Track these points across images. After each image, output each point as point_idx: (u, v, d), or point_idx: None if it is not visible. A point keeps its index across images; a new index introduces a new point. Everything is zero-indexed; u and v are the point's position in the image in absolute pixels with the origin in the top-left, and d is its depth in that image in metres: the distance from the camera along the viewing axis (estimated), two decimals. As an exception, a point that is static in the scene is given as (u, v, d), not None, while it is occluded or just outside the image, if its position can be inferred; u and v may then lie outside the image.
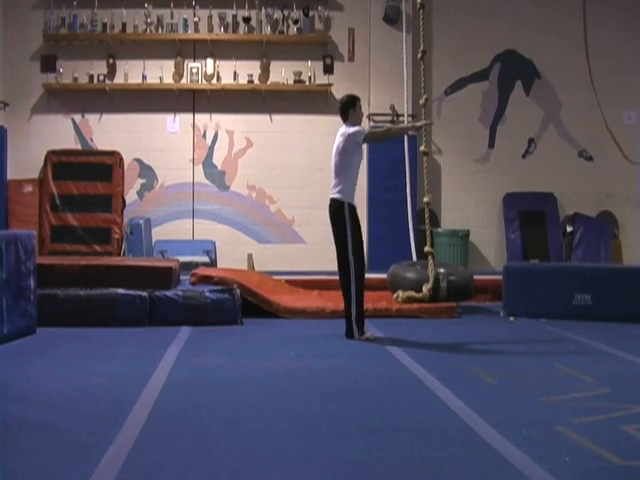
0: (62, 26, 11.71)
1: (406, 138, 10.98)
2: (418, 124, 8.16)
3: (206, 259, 11.26)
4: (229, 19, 11.82)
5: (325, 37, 11.95)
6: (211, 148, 12.05)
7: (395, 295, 9.01)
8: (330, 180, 7.40)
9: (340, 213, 7.22)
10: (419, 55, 9.25)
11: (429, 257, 8.99)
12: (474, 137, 12.33)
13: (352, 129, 7.30)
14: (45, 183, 11.59)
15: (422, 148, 9.20)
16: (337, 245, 7.29)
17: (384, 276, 9.51)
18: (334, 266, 7.50)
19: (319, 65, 11.99)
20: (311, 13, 11.89)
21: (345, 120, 7.42)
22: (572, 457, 3.88)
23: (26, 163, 11.69)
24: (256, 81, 11.90)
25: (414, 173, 11.15)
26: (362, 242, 7.41)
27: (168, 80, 11.83)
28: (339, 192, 7.25)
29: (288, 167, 12.07)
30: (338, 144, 7.33)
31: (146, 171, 11.96)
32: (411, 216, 10.78)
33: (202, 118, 12.01)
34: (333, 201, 7.28)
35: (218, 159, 12.09)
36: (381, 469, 3.73)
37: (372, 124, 11.87)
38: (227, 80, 11.87)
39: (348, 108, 7.42)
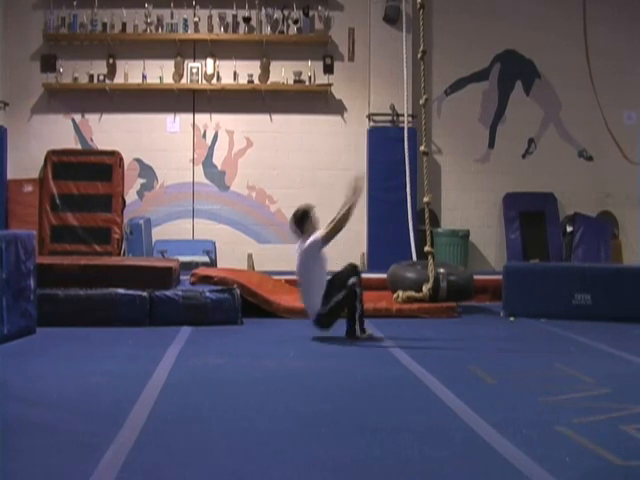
0: (62, 26, 11.72)
1: (406, 138, 10.99)
2: (352, 192, 7.34)
3: (206, 259, 11.26)
4: (229, 19, 11.83)
5: (325, 37, 11.95)
6: (211, 148, 12.05)
7: (395, 295, 9.00)
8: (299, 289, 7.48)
9: (318, 319, 7.28)
10: (419, 55, 9.25)
11: (429, 257, 9.00)
12: (474, 137, 12.33)
13: (307, 243, 7.22)
14: (45, 183, 11.59)
15: (422, 148, 9.21)
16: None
17: (384, 276, 9.51)
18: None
19: (319, 65, 11.99)
20: (311, 13, 11.89)
21: (302, 232, 7.31)
22: (572, 457, 3.88)
23: (26, 163, 11.70)
24: (256, 81, 11.90)
25: (414, 173, 11.15)
26: (336, 276, 7.34)
27: (168, 80, 11.83)
28: (307, 308, 7.32)
29: (288, 167, 12.07)
30: (299, 261, 7.29)
31: (146, 171, 11.96)
32: (411, 216, 10.78)
33: (202, 118, 12.02)
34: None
35: (218, 159, 12.09)
36: (381, 469, 3.72)
37: (372, 124, 11.89)
38: (227, 80, 11.87)
39: (303, 222, 7.33)
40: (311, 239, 7.23)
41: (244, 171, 12.08)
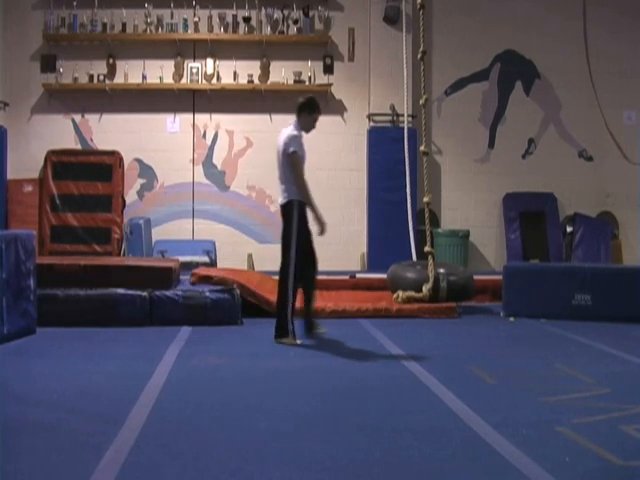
0: (62, 26, 11.72)
1: (406, 138, 11.01)
2: (319, 220, 7.16)
3: (206, 259, 11.26)
4: (229, 19, 11.83)
5: (325, 37, 11.95)
6: (211, 148, 12.06)
7: (395, 295, 9.00)
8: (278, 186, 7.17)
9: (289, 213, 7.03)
10: (419, 55, 9.25)
11: (429, 257, 9.00)
12: (474, 137, 12.33)
13: (290, 136, 7.17)
14: (45, 183, 11.59)
15: (422, 148, 9.21)
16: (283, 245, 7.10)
17: (384, 276, 9.51)
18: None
19: (319, 65, 11.99)
20: (311, 13, 11.90)
21: (297, 117, 7.29)
22: (572, 457, 3.88)
23: (26, 163, 11.70)
24: (256, 81, 11.90)
25: (414, 173, 11.16)
26: (307, 240, 7.13)
27: (168, 80, 11.84)
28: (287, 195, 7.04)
29: (288, 167, 12.05)
30: (279, 148, 7.17)
31: (146, 171, 11.96)
32: (411, 216, 10.80)
33: (202, 118, 12.02)
34: (282, 206, 7.08)
35: (218, 159, 12.09)
36: (381, 469, 3.72)
37: (372, 124, 11.89)
38: (227, 80, 11.87)
39: (304, 110, 7.26)
40: (294, 135, 7.18)
41: (244, 171, 12.08)
